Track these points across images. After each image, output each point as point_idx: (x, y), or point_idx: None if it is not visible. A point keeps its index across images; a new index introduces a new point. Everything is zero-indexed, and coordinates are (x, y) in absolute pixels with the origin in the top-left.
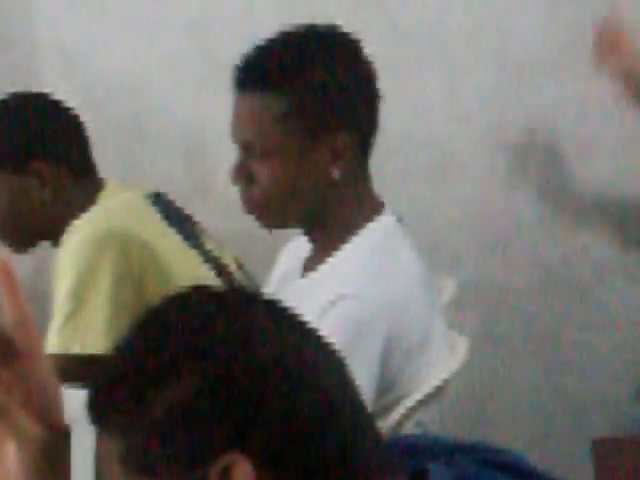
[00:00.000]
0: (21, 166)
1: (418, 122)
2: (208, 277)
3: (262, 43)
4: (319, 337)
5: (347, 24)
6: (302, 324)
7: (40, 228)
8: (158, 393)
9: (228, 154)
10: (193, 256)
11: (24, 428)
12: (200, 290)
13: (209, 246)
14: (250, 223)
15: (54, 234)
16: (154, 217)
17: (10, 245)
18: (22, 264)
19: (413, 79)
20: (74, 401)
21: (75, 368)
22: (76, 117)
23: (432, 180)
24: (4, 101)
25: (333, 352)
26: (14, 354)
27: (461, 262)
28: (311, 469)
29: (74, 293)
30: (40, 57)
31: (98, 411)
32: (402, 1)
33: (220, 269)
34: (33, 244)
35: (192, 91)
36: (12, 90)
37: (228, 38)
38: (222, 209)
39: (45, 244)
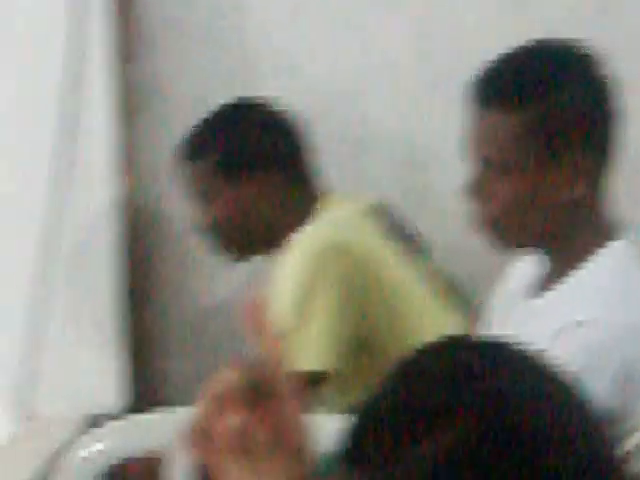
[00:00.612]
0: (242, 176)
1: None
2: (428, 293)
3: (501, 59)
4: (572, 386)
5: (580, 36)
6: (554, 372)
7: (260, 239)
8: (416, 447)
9: (452, 166)
10: (414, 271)
11: (274, 461)
12: (458, 340)
13: (430, 261)
14: (471, 238)
15: (273, 245)
16: (377, 230)
17: (228, 255)
18: (233, 274)
19: None
20: None
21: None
22: (297, 125)
23: None
24: (224, 109)
25: (586, 400)
26: (265, 395)
27: None
28: None
29: (297, 308)
30: (260, 63)
31: (354, 458)
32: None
33: (441, 285)
34: (251, 255)
35: (414, 98)
36: (231, 96)
37: (450, 46)
38: (443, 222)
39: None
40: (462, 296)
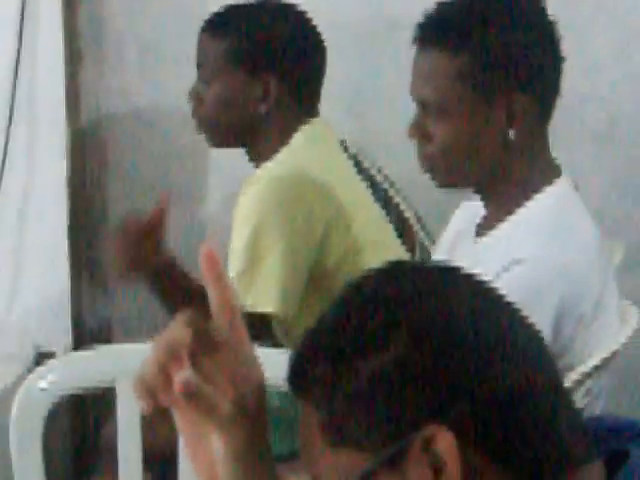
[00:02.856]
0: (254, 71)
1: (587, 82)
2: (388, 229)
3: (443, 1)
4: (514, 308)
5: None
6: (498, 295)
7: (241, 135)
8: (360, 364)
9: (394, 111)
10: (376, 208)
11: (224, 413)
12: (399, 264)
13: (390, 195)
14: (410, 189)
15: (252, 145)
16: (348, 164)
17: (208, 138)
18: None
19: (584, 40)
20: None
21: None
22: (325, 49)
23: (600, 141)
24: (264, 4)
25: (528, 322)
26: (216, 345)
27: (629, 225)
28: (510, 444)
29: (251, 247)
30: (209, 3)
31: (300, 382)
32: None
33: (400, 221)
34: (226, 146)
35: (361, 45)
36: (182, 38)
37: None
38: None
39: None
40: (420, 233)
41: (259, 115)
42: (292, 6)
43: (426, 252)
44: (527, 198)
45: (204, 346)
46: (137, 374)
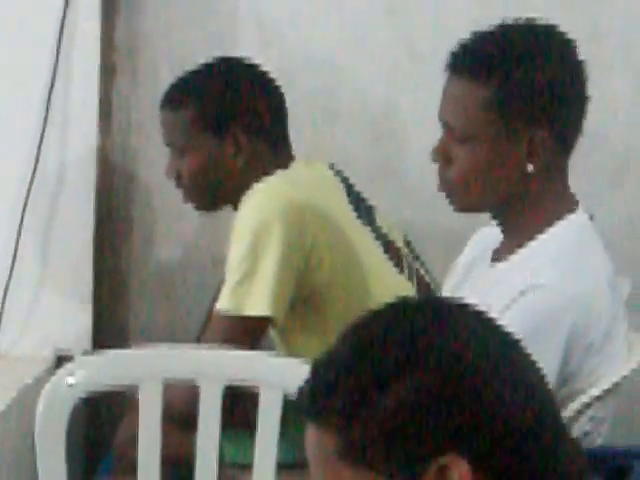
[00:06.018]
0: (220, 130)
1: (601, 123)
2: (377, 252)
3: (480, 32)
4: (517, 341)
5: (563, 19)
6: (502, 329)
7: (226, 193)
8: (379, 396)
9: (413, 140)
10: (365, 231)
11: None
12: (406, 301)
13: (379, 223)
14: (430, 211)
15: (239, 201)
16: (339, 189)
17: (194, 205)
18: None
19: (601, 82)
20: (260, 364)
21: (240, 330)
22: (279, 89)
23: (611, 181)
24: (214, 64)
25: (531, 357)
26: None
27: (637, 263)
28: (519, 475)
29: (248, 256)
30: (239, 29)
31: (316, 409)
32: (597, 2)
33: (388, 246)
34: (217, 207)
35: (385, 74)
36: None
37: (424, 28)
38: (402, 193)
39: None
40: (409, 257)
41: (238, 170)
42: (237, 60)
43: (413, 272)
44: (544, 229)
45: None
46: None
